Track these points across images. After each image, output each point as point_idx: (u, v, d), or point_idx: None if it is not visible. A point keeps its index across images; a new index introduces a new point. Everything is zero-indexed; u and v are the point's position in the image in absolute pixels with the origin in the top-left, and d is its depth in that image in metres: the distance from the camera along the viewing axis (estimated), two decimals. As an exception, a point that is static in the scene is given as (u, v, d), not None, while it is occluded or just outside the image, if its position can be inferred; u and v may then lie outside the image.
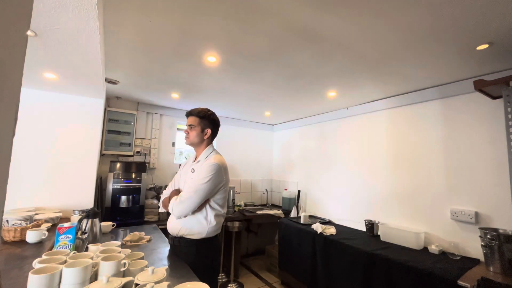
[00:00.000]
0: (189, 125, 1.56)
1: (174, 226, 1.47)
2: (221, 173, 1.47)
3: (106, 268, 0.96)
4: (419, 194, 2.23)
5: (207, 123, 1.58)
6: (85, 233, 1.46)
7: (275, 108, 3.21)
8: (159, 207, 1.63)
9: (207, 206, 1.46)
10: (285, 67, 1.90)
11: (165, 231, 1.86)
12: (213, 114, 1.62)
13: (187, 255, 1.41)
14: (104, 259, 1.00)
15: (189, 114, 1.58)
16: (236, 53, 1.70)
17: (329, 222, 2.94)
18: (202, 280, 1.09)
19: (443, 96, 2.11)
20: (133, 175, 2.64)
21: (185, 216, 1.43)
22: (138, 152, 3.05)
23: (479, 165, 1.88)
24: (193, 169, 1.54)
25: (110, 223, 1.89)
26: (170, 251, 1.53)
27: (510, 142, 1.43)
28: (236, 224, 2.93)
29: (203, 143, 1.59)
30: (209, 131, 1.58)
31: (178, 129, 3.47)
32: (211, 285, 0.96)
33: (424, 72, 1.89)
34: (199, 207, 1.44)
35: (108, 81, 2.31)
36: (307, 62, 1.80)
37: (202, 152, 1.58)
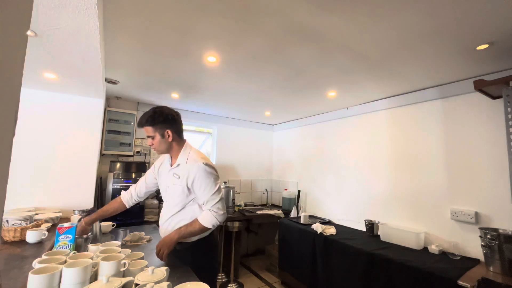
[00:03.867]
0: (148, 136, 1.43)
1: (167, 232, 1.41)
2: (214, 169, 1.45)
3: (106, 268, 0.96)
4: (419, 194, 2.23)
5: (161, 126, 1.40)
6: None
7: (275, 108, 3.21)
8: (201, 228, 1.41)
9: (196, 206, 1.43)
10: (285, 67, 1.90)
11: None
12: (160, 112, 1.42)
13: (185, 258, 1.38)
14: (104, 259, 1.00)
15: (140, 126, 1.44)
16: (236, 53, 1.70)
17: (329, 222, 2.94)
18: (201, 281, 1.07)
19: (443, 96, 2.11)
20: (133, 175, 2.64)
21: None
22: (138, 152, 3.05)
23: (479, 165, 1.88)
24: (175, 174, 1.43)
25: (110, 223, 1.88)
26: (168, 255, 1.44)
27: (510, 142, 1.43)
28: (236, 224, 2.93)
29: (172, 146, 1.46)
30: (169, 132, 1.42)
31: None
32: (210, 286, 0.96)
33: (424, 72, 1.89)
34: (191, 210, 1.42)
35: (108, 81, 2.31)
36: (307, 62, 1.80)
37: (178, 155, 1.47)
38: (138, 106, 3.11)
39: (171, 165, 1.49)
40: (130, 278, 0.93)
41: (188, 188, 1.40)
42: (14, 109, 0.36)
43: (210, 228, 1.40)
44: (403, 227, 2.25)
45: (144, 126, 1.41)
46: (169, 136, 1.42)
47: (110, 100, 2.94)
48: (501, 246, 1.53)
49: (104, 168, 2.76)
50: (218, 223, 1.39)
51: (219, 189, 1.42)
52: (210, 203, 1.38)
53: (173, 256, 1.39)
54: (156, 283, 0.90)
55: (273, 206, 3.96)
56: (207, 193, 1.38)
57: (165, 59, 1.83)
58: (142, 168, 2.74)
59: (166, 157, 1.55)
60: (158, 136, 1.41)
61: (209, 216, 1.37)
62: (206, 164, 1.40)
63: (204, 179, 1.38)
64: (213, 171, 1.44)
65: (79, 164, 2.26)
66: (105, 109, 2.71)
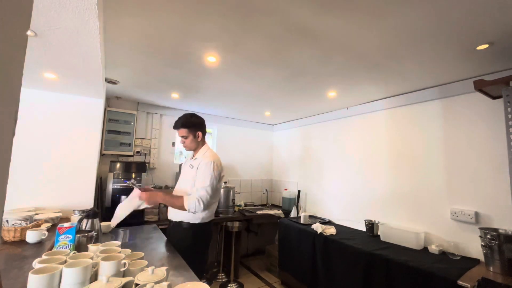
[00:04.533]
0: (181, 136, 1.77)
1: (176, 213, 1.68)
2: (217, 168, 1.71)
3: (106, 268, 0.96)
4: (419, 194, 2.23)
5: (195, 128, 1.77)
6: (91, 231, 1.46)
7: (275, 108, 3.21)
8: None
9: None
10: (285, 67, 1.90)
11: (164, 231, 1.87)
12: (195, 117, 1.81)
13: (185, 237, 1.62)
14: (104, 259, 1.00)
15: (176, 127, 1.78)
16: (236, 53, 1.70)
17: (329, 222, 2.94)
18: (194, 263, 1.30)
19: (443, 96, 2.11)
20: (133, 175, 2.64)
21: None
22: (138, 152, 3.05)
23: (479, 165, 1.88)
24: (191, 165, 1.75)
25: (110, 223, 1.88)
26: (168, 236, 1.73)
27: (510, 142, 1.43)
28: (236, 224, 2.93)
29: (199, 145, 1.82)
30: (200, 134, 1.79)
31: (178, 129, 3.47)
32: (201, 267, 1.03)
33: (424, 72, 1.89)
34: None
35: (108, 81, 2.31)
36: (307, 62, 1.80)
37: (199, 151, 1.81)
38: (138, 106, 3.11)
39: (191, 158, 1.83)
40: (130, 278, 0.93)
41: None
42: (14, 109, 0.36)
43: (185, 210, 1.60)
44: (403, 227, 2.25)
45: (180, 128, 1.75)
46: (198, 136, 1.78)
47: (110, 100, 2.94)
48: (501, 246, 1.53)
49: (104, 168, 2.76)
50: (194, 211, 1.59)
51: (213, 186, 1.64)
52: (200, 192, 1.60)
53: (176, 233, 1.67)
54: (156, 283, 0.90)
55: (273, 206, 3.96)
56: (202, 182, 1.62)
57: (165, 59, 1.83)
58: (142, 168, 2.74)
59: (188, 157, 1.92)
60: (191, 136, 1.76)
61: (192, 201, 1.58)
62: (215, 163, 1.68)
63: (206, 171, 1.64)
64: (217, 170, 1.69)
65: (79, 164, 2.26)
66: (105, 109, 2.71)
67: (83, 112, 2.31)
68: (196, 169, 1.69)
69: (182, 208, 1.60)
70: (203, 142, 1.84)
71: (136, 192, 1.75)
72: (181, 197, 1.63)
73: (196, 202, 1.58)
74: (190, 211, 1.59)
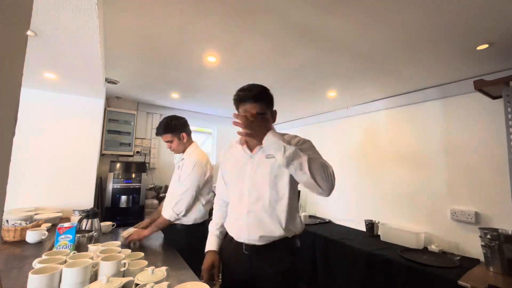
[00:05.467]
0: (166, 141, 1.74)
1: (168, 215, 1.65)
2: (200, 168, 1.65)
3: (106, 268, 0.96)
4: (419, 194, 2.23)
5: (178, 131, 1.73)
6: (91, 231, 1.46)
7: (275, 108, 3.20)
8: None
9: (196, 199, 1.68)
10: (285, 67, 1.90)
11: (164, 230, 1.86)
12: (175, 119, 1.75)
13: (180, 239, 1.60)
14: (104, 259, 1.00)
15: (159, 134, 1.74)
16: (236, 53, 1.70)
17: (329, 222, 2.94)
18: (191, 263, 1.29)
19: (443, 96, 2.11)
20: (133, 175, 2.64)
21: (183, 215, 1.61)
22: (138, 152, 3.05)
23: (479, 165, 1.88)
24: (179, 166, 1.73)
25: (110, 223, 1.88)
26: (164, 239, 1.72)
27: (510, 142, 1.43)
28: (236, 224, 2.92)
29: (186, 146, 1.78)
30: (184, 135, 1.74)
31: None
32: (199, 268, 1.02)
33: (424, 72, 1.89)
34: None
35: (108, 81, 2.31)
36: (307, 62, 1.80)
37: (186, 151, 1.78)
38: (138, 106, 3.11)
39: (181, 159, 1.79)
40: (130, 278, 0.93)
41: None
42: (14, 109, 0.36)
43: (170, 221, 1.60)
44: (403, 227, 2.25)
45: (163, 134, 1.71)
46: (183, 138, 1.73)
47: (110, 100, 2.94)
48: (501, 246, 1.53)
49: (104, 168, 2.76)
50: (177, 216, 1.59)
51: (194, 187, 1.61)
52: (179, 193, 1.60)
53: (170, 236, 1.66)
54: (156, 283, 0.90)
55: (273, 206, 3.95)
56: (182, 184, 1.62)
57: (165, 59, 1.83)
58: (142, 168, 2.74)
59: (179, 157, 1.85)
60: (176, 140, 1.72)
61: (168, 211, 1.59)
62: (197, 163, 1.64)
63: (187, 172, 1.62)
64: (200, 170, 1.64)
65: (79, 164, 2.26)
66: (105, 109, 2.71)
67: (83, 112, 2.31)
68: (181, 169, 1.68)
69: (168, 222, 1.60)
70: (189, 141, 1.80)
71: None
72: (160, 216, 1.63)
73: (173, 209, 1.57)
74: (172, 219, 1.59)
